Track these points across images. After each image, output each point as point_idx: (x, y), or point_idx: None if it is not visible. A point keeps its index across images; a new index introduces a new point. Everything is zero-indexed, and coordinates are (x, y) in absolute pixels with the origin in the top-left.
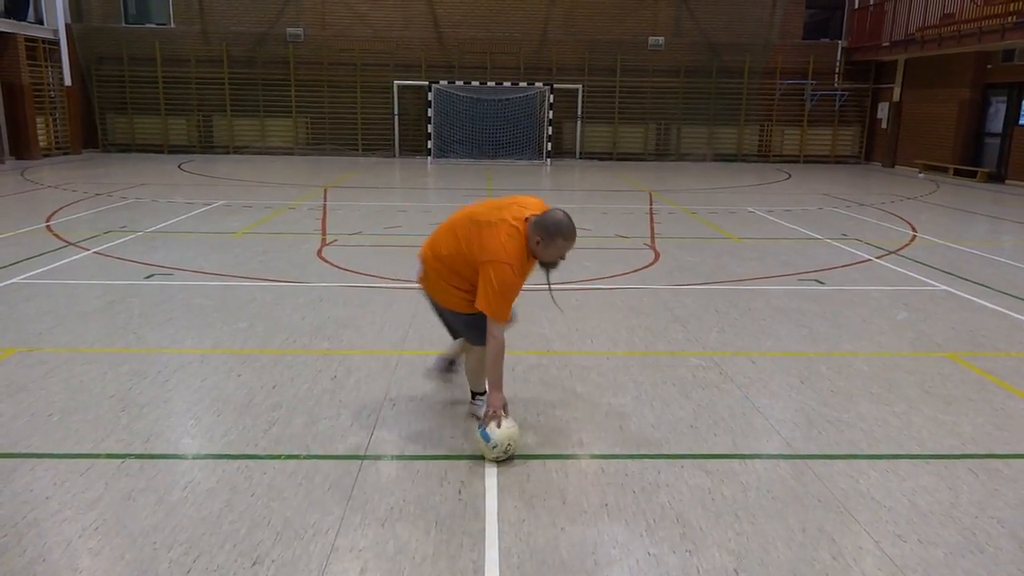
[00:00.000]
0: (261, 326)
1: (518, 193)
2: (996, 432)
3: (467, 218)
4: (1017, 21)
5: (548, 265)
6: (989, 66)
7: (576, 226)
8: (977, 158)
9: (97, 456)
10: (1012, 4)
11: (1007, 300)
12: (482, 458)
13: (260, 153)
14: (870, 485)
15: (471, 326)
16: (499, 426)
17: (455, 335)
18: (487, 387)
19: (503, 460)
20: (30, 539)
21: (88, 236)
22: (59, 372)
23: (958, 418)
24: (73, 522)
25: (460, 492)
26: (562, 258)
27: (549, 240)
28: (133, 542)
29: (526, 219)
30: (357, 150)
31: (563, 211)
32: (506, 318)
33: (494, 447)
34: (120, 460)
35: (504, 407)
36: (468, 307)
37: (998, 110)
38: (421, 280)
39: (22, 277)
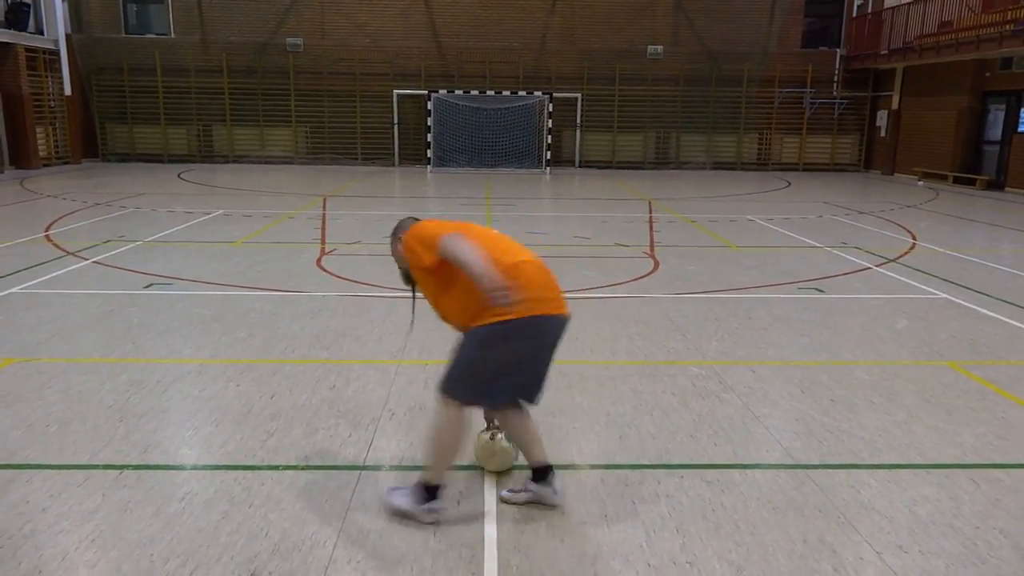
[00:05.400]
0: (260, 336)
1: (520, 202)
2: (997, 441)
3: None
4: (1015, 29)
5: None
6: (987, 74)
7: (576, 234)
8: (976, 166)
9: (94, 467)
10: (1010, 12)
11: (1007, 308)
12: (481, 469)
13: (260, 162)
14: (871, 495)
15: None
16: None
17: None
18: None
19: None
20: (26, 551)
21: (87, 245)
22: (57, 382)
23: (959, 427)
24: (70, 533)
25: (459, 503)
26: (400, 264)
27: None
28: (130, 554)
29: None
30: (356, 159)
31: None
32: None
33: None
34: (118, 471)
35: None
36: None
37: (997, 118)
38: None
39: (21, 287)
